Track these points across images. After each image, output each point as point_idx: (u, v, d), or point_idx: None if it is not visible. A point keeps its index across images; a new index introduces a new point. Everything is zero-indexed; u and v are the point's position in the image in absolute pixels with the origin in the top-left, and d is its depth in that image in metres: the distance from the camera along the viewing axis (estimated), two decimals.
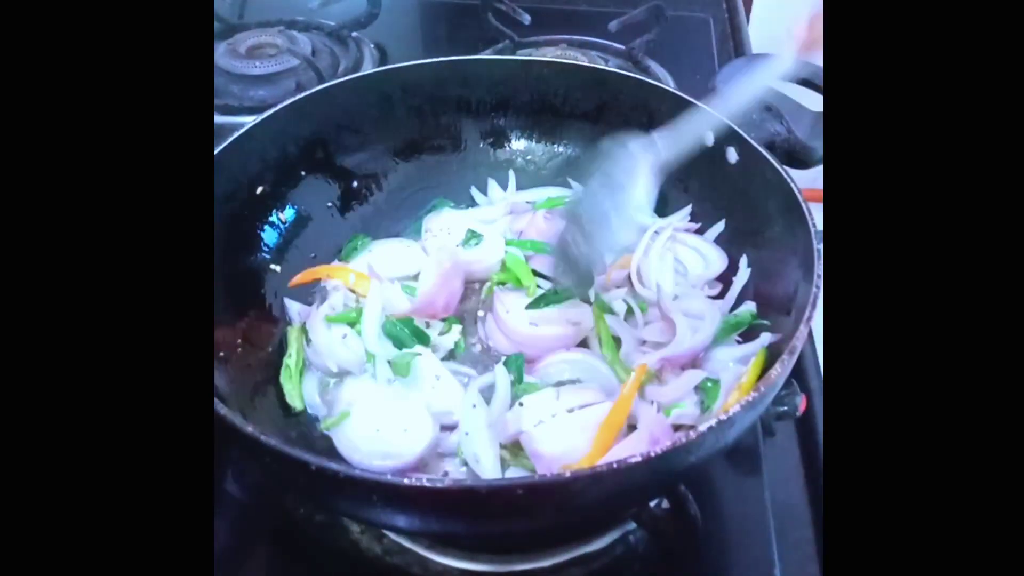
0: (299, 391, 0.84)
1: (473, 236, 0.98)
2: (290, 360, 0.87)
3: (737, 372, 0.79)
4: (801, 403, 0.82)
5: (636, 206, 0.82)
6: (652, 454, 0.55)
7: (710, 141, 0.89)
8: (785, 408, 0.82)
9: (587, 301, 0.89)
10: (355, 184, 1.02)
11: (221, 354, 0.80)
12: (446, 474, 0.78)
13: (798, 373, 0.94)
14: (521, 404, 0.77)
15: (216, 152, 0.84)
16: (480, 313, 0.95)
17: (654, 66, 1.39)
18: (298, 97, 0.94)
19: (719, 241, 0.95)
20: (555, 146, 1.07)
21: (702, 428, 0.58)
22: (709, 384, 0.79)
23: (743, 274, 0.89)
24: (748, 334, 0.84)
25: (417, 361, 0.83)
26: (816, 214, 0.70)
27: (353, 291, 0.92)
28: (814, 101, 0.91)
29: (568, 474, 0.54)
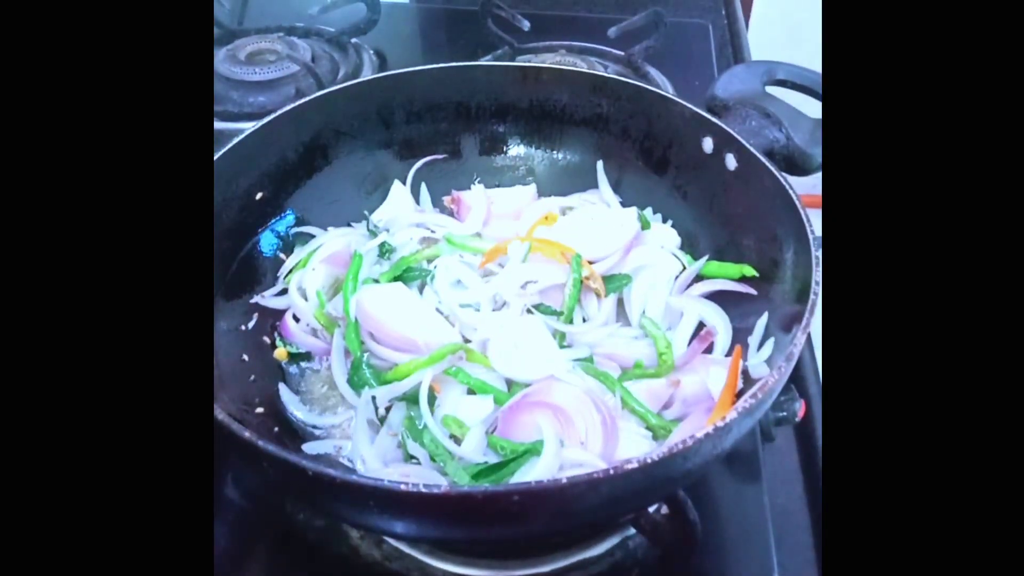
0: None
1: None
2: None
3: None
4: (800, 409, 0.82)
5: None
6: (649, 460, 0.55)
7: (709, 148, 0.90)
8: (784, 414, 0.82)
9: None
10: (354, 189, 1.02)
11: (220, 359, 0.80)
12: None
13: (797, 379, 0.94)
14: None
15: (215, 158, 0.84)
16: None
17: (653, 72, 1.39)
18: (297, 103, 0.93)
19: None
20: (554, 153, 1.07)
21: (699, 434, 0.58)
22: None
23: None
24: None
25: None
26: (815, 220, 0.70)
27: None
28: (813, 108, 0.91)
29: (565, 480, 0.54)
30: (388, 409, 0.79)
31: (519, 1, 1.50)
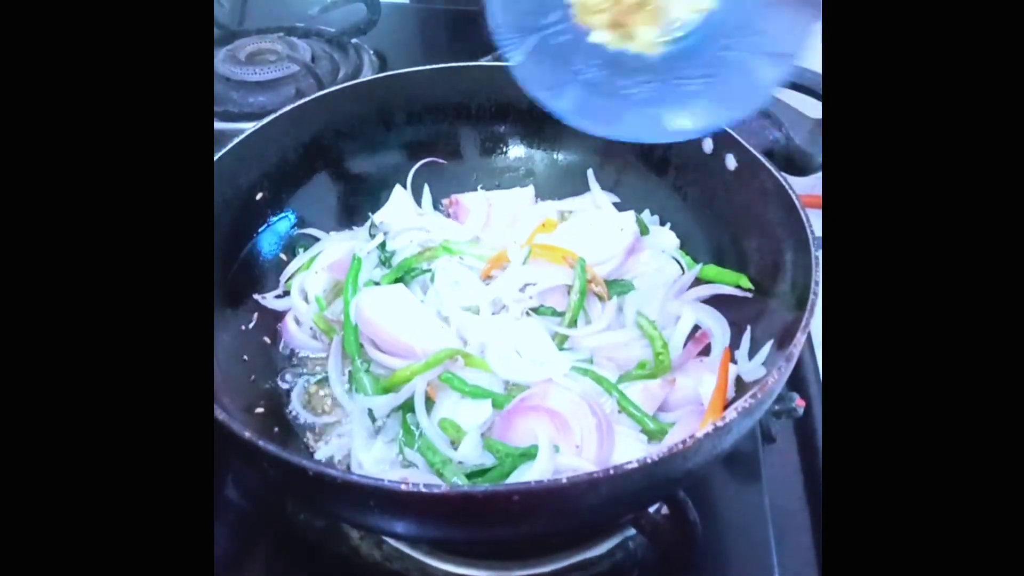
0: None
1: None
2: None
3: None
4: (796, 401, 0.82)
5: None
6: (649, 460, 0.55)
7: (709, 148, 0.90)
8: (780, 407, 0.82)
9: None
10: (354, 190, 1.03)
11: (220, 359, 0.80)
12: None
13: (797, 380, 0.94)
14: None
15: (216, 158, 0.84)
16: None
17: None
18: (298, 103, 0.94)
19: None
20: (554, 153, 1.07)
21: (699, 434, 0.58)
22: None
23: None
24: None
25: None
26: (815, 220, 0.70)
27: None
28: (813, 108, 0.91)
29: (565, 480, 0.54)
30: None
31: None
